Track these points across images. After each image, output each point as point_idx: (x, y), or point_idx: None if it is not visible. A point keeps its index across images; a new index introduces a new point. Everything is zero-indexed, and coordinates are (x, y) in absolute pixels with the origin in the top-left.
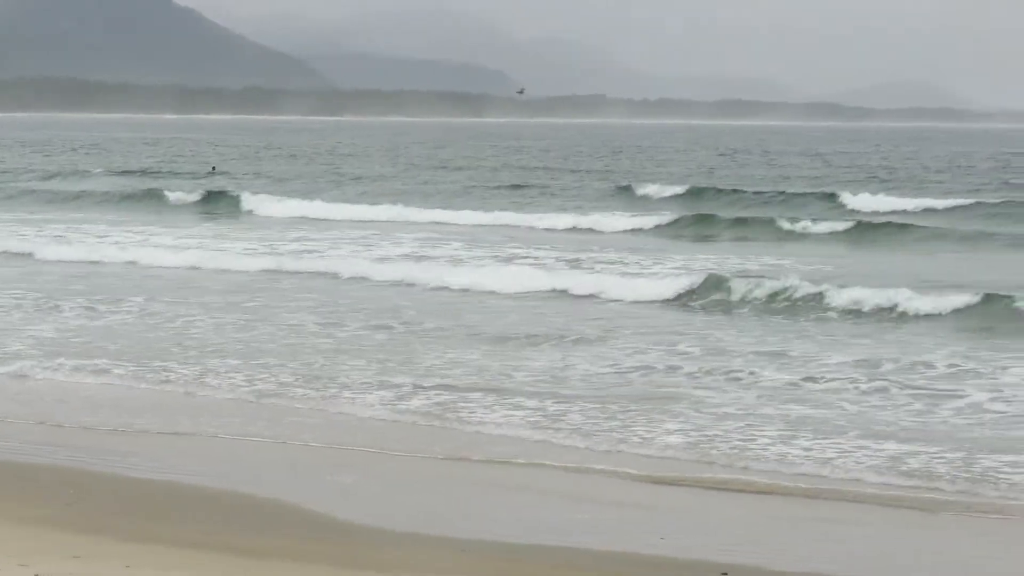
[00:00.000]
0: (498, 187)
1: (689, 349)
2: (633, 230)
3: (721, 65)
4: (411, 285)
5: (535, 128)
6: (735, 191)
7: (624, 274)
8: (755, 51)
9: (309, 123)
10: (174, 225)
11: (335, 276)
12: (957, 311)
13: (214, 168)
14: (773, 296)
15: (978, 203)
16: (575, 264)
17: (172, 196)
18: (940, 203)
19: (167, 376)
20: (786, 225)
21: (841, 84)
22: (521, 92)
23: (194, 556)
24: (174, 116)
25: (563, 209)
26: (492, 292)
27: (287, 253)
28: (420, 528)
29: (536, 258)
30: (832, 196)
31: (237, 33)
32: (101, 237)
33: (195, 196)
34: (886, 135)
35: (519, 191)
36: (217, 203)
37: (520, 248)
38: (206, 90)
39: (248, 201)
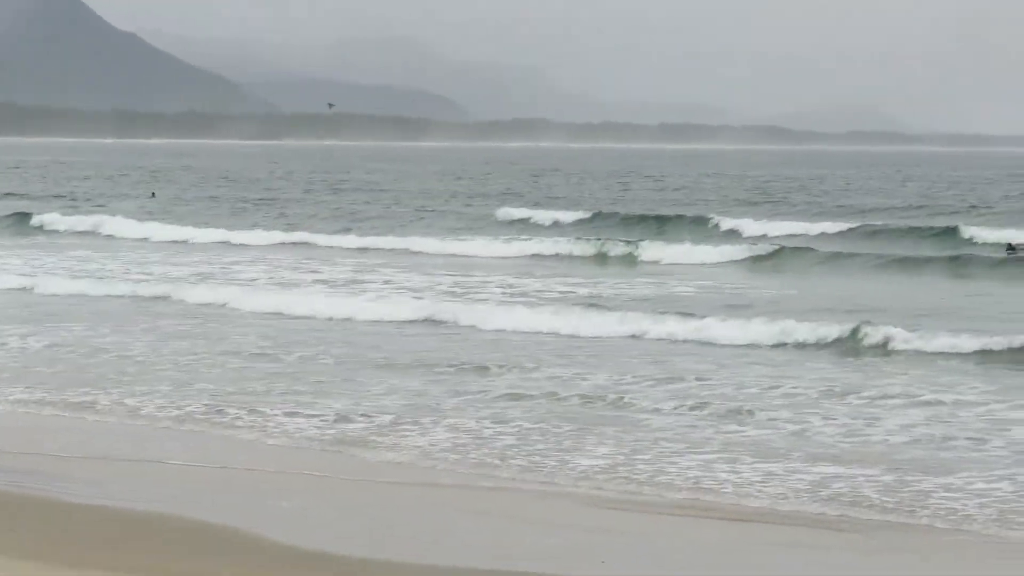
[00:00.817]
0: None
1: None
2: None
3: (664, 89)
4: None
5: (467, 152)
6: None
7: (503, 303)
8: (697, 75)
9: (246, 147)
10: None
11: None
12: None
13: (153, 194)
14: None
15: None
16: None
17: None
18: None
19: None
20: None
21: (782, 108)
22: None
23: None
24: (113, 140)
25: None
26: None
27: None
28: (367, 553)
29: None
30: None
31: (179, 58)
32: None
33: None
34: (812, 157)
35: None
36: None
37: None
38: (146, 115)
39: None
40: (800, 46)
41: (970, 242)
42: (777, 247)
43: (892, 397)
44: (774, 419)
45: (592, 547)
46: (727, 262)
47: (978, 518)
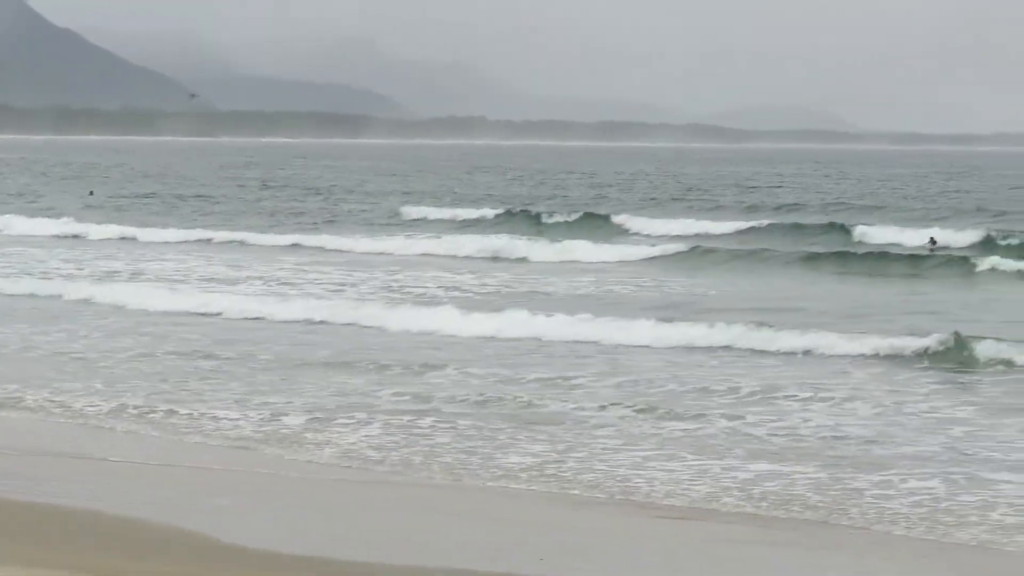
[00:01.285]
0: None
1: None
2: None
3: (604, 87)
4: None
5: (406, 149)
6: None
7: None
8: (637, 73)
9: (183, 144)
10: None
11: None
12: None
13: (92, 192)
14: None
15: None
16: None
17: None
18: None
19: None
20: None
21: (722, 106)
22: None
23: None
24: (50, 136)
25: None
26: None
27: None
28: (308, 551)
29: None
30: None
31: (117, 55)
32: None
33: None
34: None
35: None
36: None
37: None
38: (84, 111)
39: None
40: (742, 45)
41: (857, 242)
42: (687, 247)
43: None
44: (706, 416)
45: (532, 544)
46: (633, 261)
47: (910, 516)
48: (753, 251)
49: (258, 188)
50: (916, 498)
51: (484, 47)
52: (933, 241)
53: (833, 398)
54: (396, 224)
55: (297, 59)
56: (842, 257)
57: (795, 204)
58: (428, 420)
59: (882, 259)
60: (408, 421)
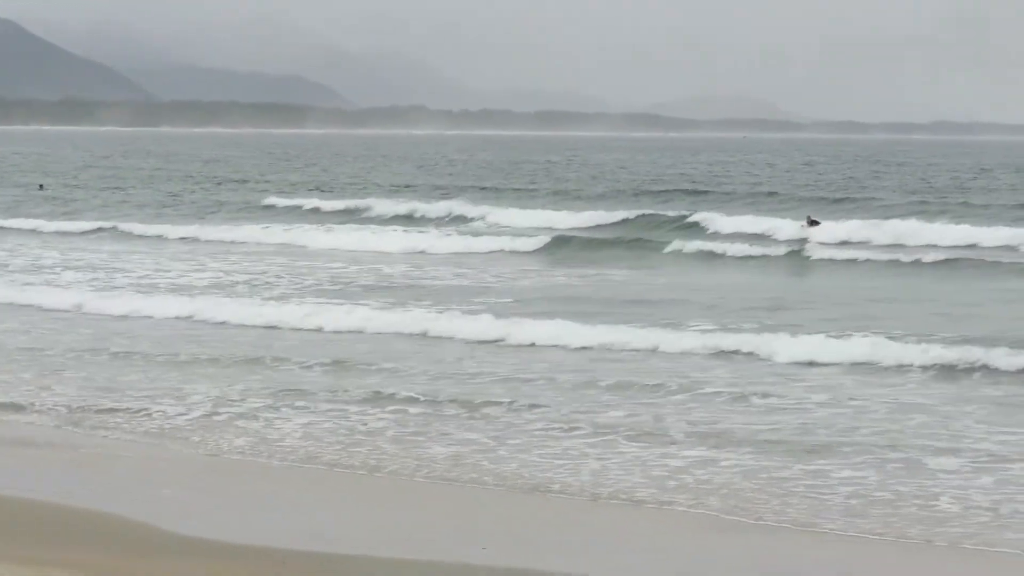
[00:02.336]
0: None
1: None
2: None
3: (542, 78)
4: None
5: (345, 139)
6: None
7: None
8: (576, 64)
9: (121, 134)
10: None
11: None
12: None
13: (41, 186)
14: None
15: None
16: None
17: None
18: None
19: None
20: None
21: (660, 96)
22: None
23: (16, 571)
24: None
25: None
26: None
27: None
28: (246, 539)
29: None
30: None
31: (57, 45)
32: None
33: None
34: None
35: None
36: None
37: None
38: (22, 101)
39: None
40: (681, 34)
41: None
42: (551, 237)
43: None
44: (636, 405)
45: (474, 533)
46: (486, 252)
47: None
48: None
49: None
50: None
51: (424, 38)
52: (812, 222)
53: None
54: (258, 212)
55: (235, 48)
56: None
57: (662, 191)
58: (359, 409)
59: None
60: (345, 413)
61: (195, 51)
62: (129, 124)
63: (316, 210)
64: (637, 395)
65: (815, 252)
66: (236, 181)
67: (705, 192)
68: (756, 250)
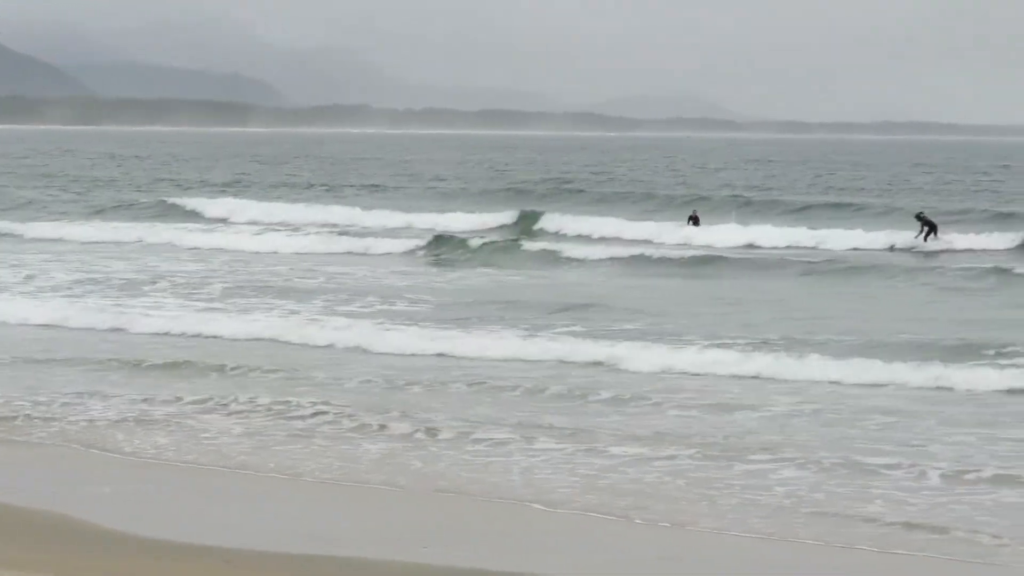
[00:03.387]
0: None
1: None
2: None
3: (486, 76)
4: None
5: (285, 138)
6: None
7: None
8: (519, 62)
9: (63, 133)
10: None
11: None
12: None
13: None
14: None
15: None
16: None
17: None
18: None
19: None
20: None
21: (603, 95)
22: None
23: None
24: None
25: None
26: None
27: None
28: (192, 539)
29: None
30: None
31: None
32: None
33: None
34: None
35: None
36: None
37: None
38: None
39: None
40: (625, 33)
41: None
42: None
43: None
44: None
45: (413, 533)
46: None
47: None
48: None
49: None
50: None
51: (366, 36)
52: (695, 219)
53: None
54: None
55: (177, 47)
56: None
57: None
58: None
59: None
60: (262, 414)
61: (136, 48)
62: (72, 122)
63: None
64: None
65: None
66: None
67: (581, 192)
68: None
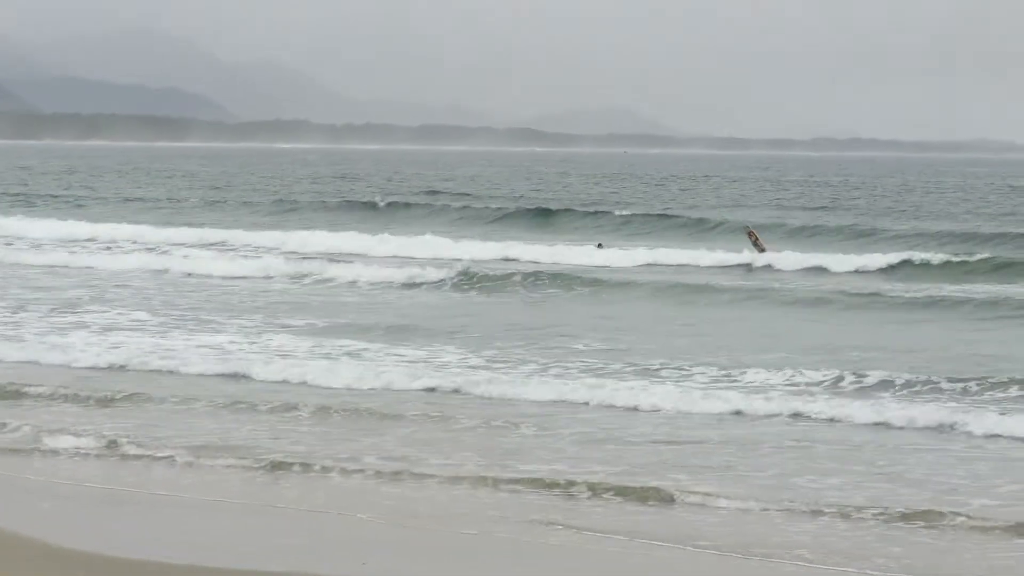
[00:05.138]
0: None
1: None
2: None
3: (425, 91)
4: None
5: (223, 153)
6: None
7: None
8: (458, 78)
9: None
10: None
11: None
12: None
13: None
14: None
15: None
16: None
17: None
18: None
19: None
20: None
21: (538, 110)
22: None
23: None
24: None
25: None
26: None
27: None
28: (131, 554)
29: None
30: None
31: None
32: None
33: None
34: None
35: None
36: None
37: None
38: None
39: None
40: (565, 48)
41: None
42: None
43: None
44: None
45: (351, 549)
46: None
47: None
48: None
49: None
50: None
51: (304, 50)
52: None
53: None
54: None
55: (114, 60)
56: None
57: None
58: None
59: None
60: (220, 425)
61: (72, 63)
62: (9, 136)
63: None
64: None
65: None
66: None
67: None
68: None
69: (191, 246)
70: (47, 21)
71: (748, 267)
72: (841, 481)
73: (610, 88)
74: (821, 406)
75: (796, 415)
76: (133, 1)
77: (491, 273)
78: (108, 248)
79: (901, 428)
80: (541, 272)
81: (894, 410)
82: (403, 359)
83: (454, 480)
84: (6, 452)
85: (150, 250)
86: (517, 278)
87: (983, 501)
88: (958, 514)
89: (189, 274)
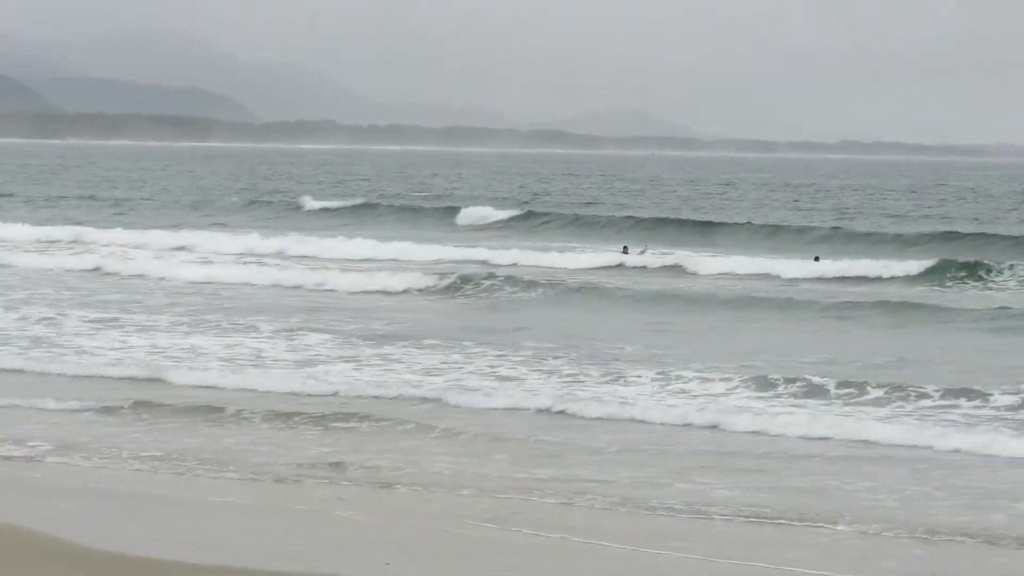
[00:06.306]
0: None
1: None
2: None
3: (450, 93)
4: None
5: (243, 152)
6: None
7: None
8: (482, 79)
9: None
10: None
11: None
12: None
13: None
14: None
15: None
16: None
17: None
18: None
19: None
20: None
21: (561, 113)
22: None
23: None
24: None
25: None
26: None
27: None
28: (152, 552)
29: None
30: None
31: None
32: None
33: None
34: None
35: None
36: None
37: None
38: None
39: None
40: (590, 51)
41: None
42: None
43: None
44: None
45: (375, 550)
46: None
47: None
48: None
49: None
50: None
51: (331, 51)
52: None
53: None
54: None
55: (136, 60)
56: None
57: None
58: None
59: None
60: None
61: (95, 63)
62: (32, 135)
63: None
64: None
65: None
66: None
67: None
68: None
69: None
70: (66, 21)
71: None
72: None
73: (635, 91)
74: None
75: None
76: (150, 2)
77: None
78: None
79: None
80: None
81: None
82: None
83: None
84: None
85: None
86: None
87: None
88: None
89: None
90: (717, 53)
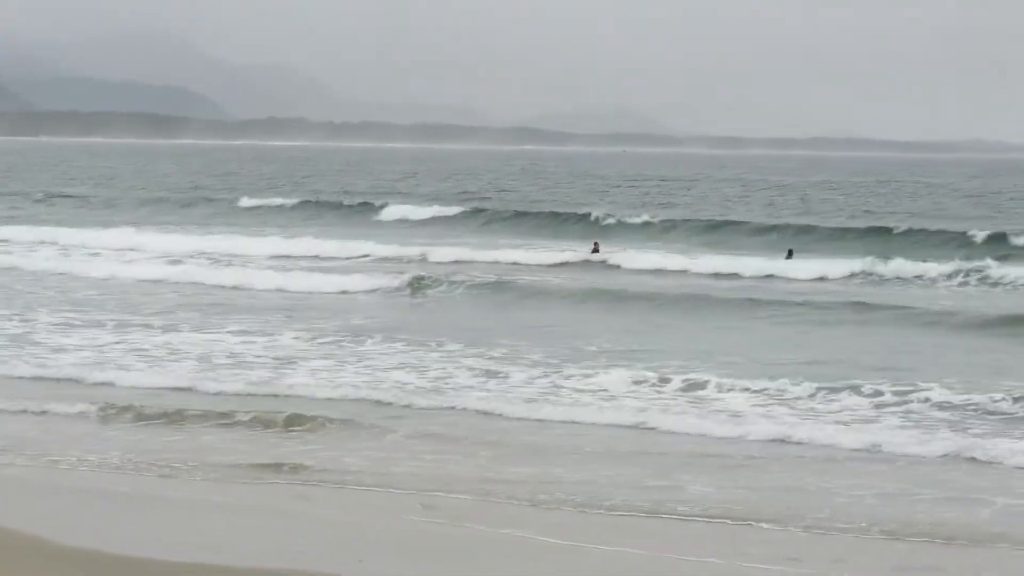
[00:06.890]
0: None
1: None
2: None
3: (423, 91)
4: None
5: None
6: None
7: None
8: (455, 77)
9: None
10: None
11: None
12: None
13: None
14: None
15: None
16: None
17: None
18: None
19: None
20: None
21: (536, 109)
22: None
23: None
24: None
25: None
26: None
27: None
28: (134, 551)
29: None
30: None
31: None
32: None
33: None
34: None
35: None
36: None
37: None
38: None
39: None
40: (563, 47)
41: None
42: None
43: None
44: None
45: (348, 545)
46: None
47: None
48: None
49: None
50: None
51: (303, 50)
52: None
53: None
54: None
55: (113, 58)
56: None
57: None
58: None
59: None
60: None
61: (72, 61)
62: (7, 133)
63: None
64: None
65: None
66: None
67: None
68: None
69: None
70: (47, 21)
71: None
72: None
73: (610, 88)
74: None
75: None
76: (133, 1)
77: None
78: None
79: None
80: None
81: None
82: None
83: None
84: None
85: None
86: None
87: None
88: None
89: None
90: (694, 51)
